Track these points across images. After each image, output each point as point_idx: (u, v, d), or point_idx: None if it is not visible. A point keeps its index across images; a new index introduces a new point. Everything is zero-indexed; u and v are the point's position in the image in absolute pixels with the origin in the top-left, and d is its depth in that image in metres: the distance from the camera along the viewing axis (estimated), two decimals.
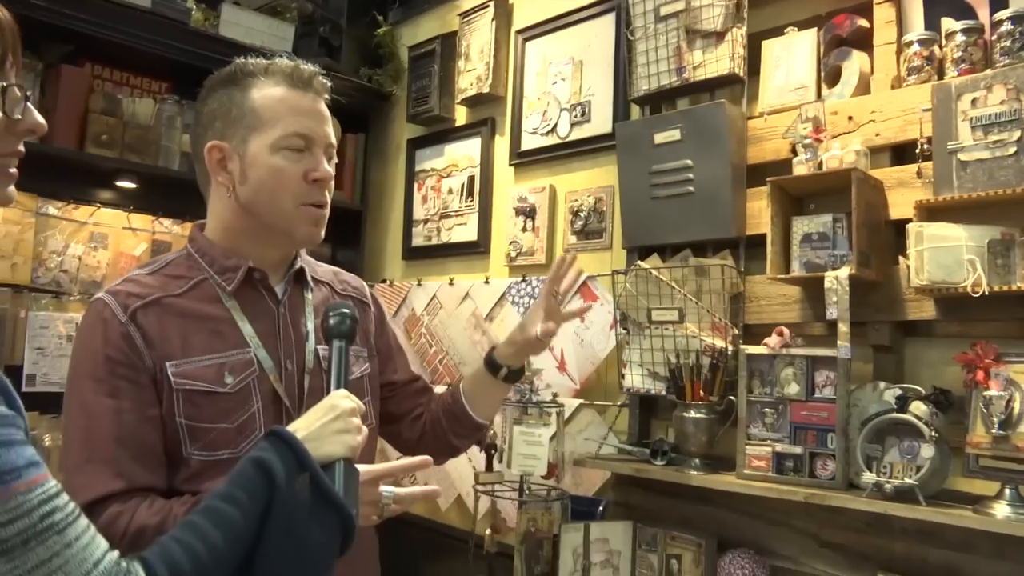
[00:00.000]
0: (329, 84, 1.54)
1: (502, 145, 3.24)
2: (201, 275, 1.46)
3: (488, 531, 2.41)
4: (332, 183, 1.52)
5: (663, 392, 2.23)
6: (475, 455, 2.68)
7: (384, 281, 3.65)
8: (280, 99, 1.46)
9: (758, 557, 2.06)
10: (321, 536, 1.09)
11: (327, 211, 1.51)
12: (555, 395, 2.72)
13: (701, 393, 2.10)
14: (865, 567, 1.94)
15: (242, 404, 1.40)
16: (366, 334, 1.67)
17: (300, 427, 1.18)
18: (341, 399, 1.25)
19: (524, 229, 3.05)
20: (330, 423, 1.20)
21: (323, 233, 1.53)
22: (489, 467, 2.33)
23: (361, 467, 1.25)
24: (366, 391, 1.61)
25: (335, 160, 1.54)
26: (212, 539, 1.00)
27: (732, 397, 2.06)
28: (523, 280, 2.97)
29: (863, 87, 2.09)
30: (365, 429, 1.26)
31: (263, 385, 1.43)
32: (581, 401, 2.67)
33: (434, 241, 3.47)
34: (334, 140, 1.53)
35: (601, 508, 2.45)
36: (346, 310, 1.41)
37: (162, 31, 3.01)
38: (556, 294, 1.67)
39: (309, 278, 1.59)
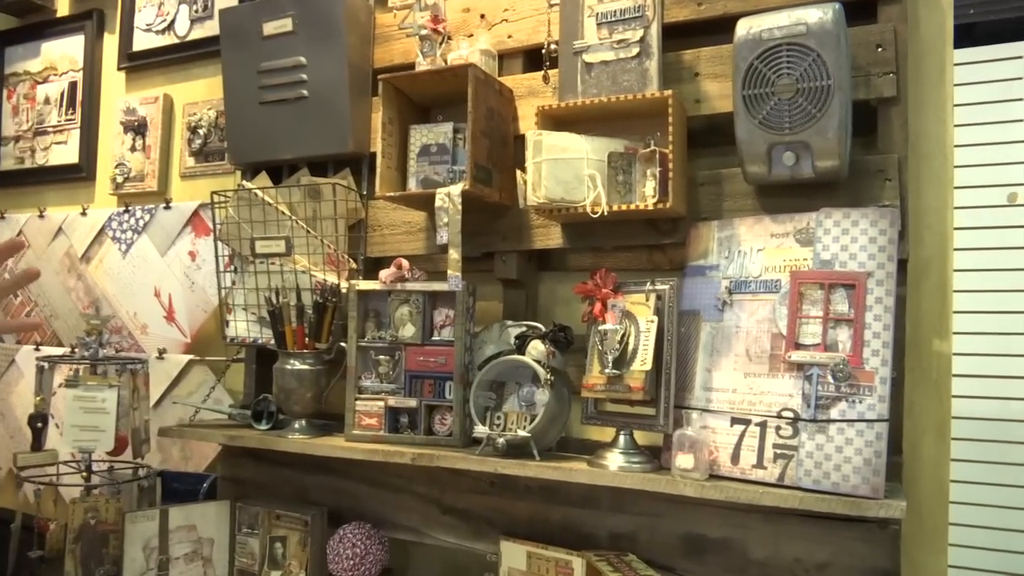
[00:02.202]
0: None
1: (111, 44, 2.60)
2: None
3: (52, 526, 1.86)
4: None
5: (272, 342, 1.82)
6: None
7: None
8: None
9: (374, 531, 1.74)
10: None
11: None
12: (162, 351, 2.22)
13: (306, 340, 1.72)
14: (489, 533, 1.69)
15: None
16: None
17: None
18: None
19: (133, 148, 2.46)
20: None
21: None
22: (37, 445, 1.77)
23: None
24: None
25: None
26: None
27: (344, 344, 1.70)
28: (126, 210, 2.39)
29: None
30: None
31: None
32: (191, 357, 2.19)
33: (28, 164, 2.74)
34: None
35: (206, 486, 2.00)
36: None
37: None
38: None
39: None
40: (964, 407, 2.53)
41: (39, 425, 1.76)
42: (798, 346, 1.32)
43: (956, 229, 1.52)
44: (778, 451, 1.31)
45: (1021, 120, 2.76)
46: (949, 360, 1.48)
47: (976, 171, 2.74)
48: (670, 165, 1.43)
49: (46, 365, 1.83)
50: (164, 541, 1.68)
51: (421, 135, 1.67)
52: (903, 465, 1.42)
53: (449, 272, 1.51)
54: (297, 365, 1.70)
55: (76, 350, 1.83)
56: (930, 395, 1.47)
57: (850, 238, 1.32)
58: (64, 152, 2.65)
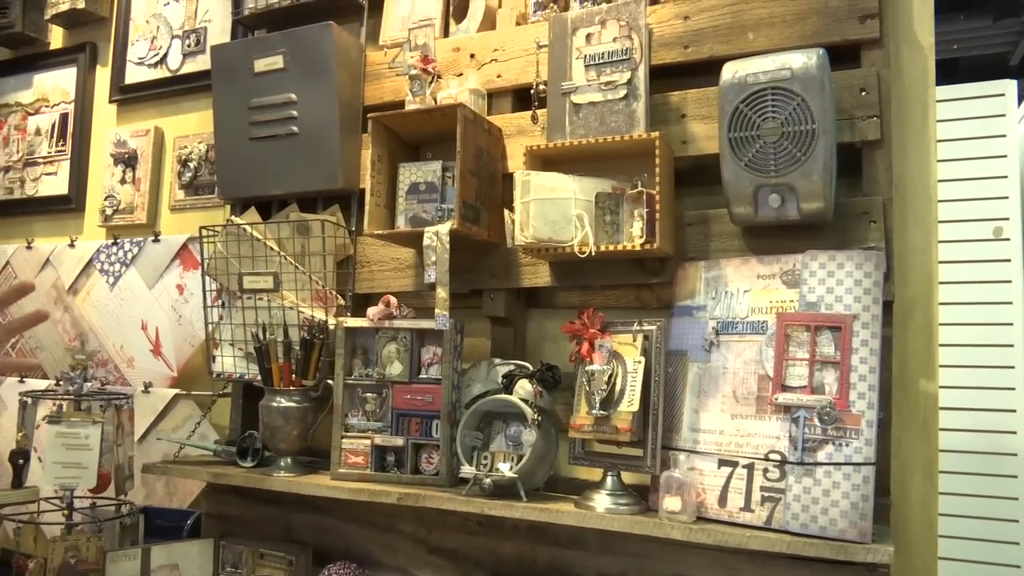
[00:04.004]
0: None
1: (103, 77, 2.61)
2: None
3: (31, 564, 1.83)
4: None
5: (259, 378, 1.80)
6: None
7: None
8: None
9: (360, 571, 1.73)
10: None
11: None
12: (148, 384, 2.20)
13: (293, 376, 1.71)
14: (476, 573, 1.68)
15: None
16: None
17: None
18: None
19: (123, 181, 2.47)
20: None
21: None
22: (18, 482, 1.75)
23: None
24: None
25: None
26: None
27: (330, 381, 1.69)
28: (114, 243, 2.39)
29: (489, 23, 1.82)
30: None
31: None
32: (177, 391, 2.17)
33: (17, 195, 2.74)
34: None
35: (190, 522, 1.98)
36: None
37: None
38: None
39: None
40: (950, 440, 2.54)
41: (20, 462, 1.74)
42: (785, 388, 1.32)
43: (942, 263, 1.53)
44: (765, 494, 1.30)
45: (1005, 156, 2.80)
46: (936, 400, 1.49)
47: (961, 206, 2.77)
48: (657, 206, 1.44)
49: (29, 400, 1.81)
50: None
51: (410, 173, 1.68)
52: (891, 506, 1.42)
53: (437, 311, 1.51)
54: (283, 402, 1.69)
55: (60, 384, 1.81)
56: (917, 435, 1.47)
57: (836, 280, 1.33)
58: (54, 183, 2.64)
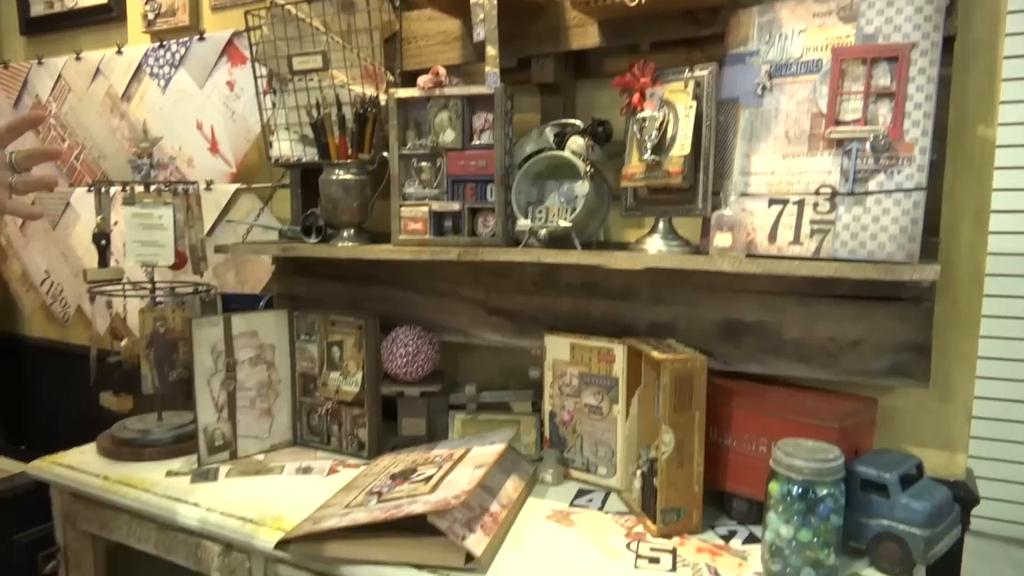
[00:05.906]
0: None
1: None
2: None
3: (124, 341, 1.99)
4: None
5: (315, 158, 1.86)
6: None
7: (2, 63, 2.88)
8: None
9: (424, 333, 1.84)
10: None
11: None
12: (210, 182, 2.28)
13: (349, 151, 1.76)
14: (533, 329, 1.78)
15: None
16: None
17: None
18: None
19: None
20: None
21: None
22: (103, 261, 1.87)
23: None
24: None
25: None
26: None
27: (386, 154, 1.73)
28: (161, 46, 2.40)
29: None
30: None
31: None
32: (239, 185, 2.25)
33: (58, 8, 2.74)
34: None
35: (263, 304, 2.11)
36: None
37: None
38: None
39: None
40: (1006, 201, 2.51)
41: (103, 243, 1.85)
42: (838, 123, 1.32)
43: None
44: (815, 227, 1.33)
45: None
46: (992, 147, 1.48)
47: None
48: None
49: (103, 188, 1.90)
50: (229, 345, 1.79)
51: None
52: (940, 245, 1.44)
53: (488, 69, 1.52)
54: (342, 175, 1.75)
55: (130, 174, 1.89)
56: (972, 179, 1.47)
57: (895, 9, 1.29)
58: None
